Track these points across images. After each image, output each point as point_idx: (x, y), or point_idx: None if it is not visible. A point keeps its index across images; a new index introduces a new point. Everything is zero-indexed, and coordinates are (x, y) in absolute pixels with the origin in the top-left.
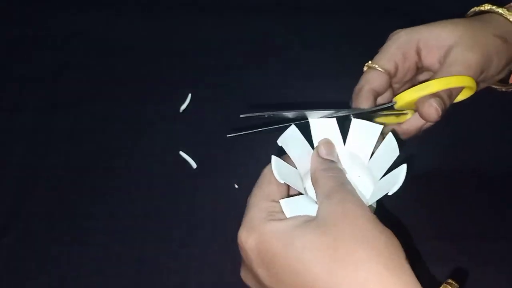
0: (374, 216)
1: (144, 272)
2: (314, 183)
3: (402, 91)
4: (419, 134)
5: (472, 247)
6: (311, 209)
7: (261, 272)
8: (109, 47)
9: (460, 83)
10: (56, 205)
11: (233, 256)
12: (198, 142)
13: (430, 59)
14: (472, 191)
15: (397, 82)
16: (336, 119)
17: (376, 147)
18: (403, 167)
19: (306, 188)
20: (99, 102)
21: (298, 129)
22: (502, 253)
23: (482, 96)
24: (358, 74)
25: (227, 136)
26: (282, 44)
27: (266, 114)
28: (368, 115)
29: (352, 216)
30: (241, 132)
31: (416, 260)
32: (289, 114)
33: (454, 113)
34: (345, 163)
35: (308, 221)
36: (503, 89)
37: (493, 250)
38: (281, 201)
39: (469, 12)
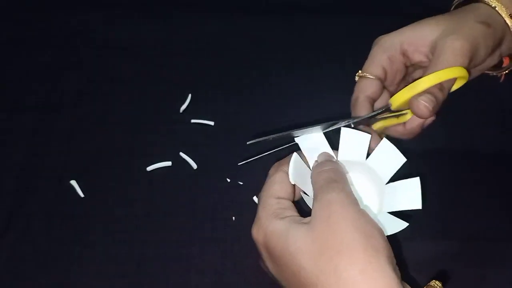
0: (358, 215)
1: (144, 272)
2: (311, 182)
3: (396, 92)
4: (422, 130)
5: (472, 247)
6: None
7: (269, 264)
8: (109, 47)
9: (449, 75)
10: (56, 205)
11: (233, 256)
12: (198, 142)
13: (418, 56)
14: (472, 191)
15: (390, 85)
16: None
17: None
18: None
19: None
20: (99, 102)
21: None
22: (502, 253)
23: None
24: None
25: (238, 164)
26: (282, 44)
27: (271, 137)
28: (368, 121)
29: (334, 222)
30: (250, 159)
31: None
32: (294, 133)
33: (452, 109)
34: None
35: (303, 223)
36: (495, 74)
37: (493, 250)
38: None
39: (453, 2)
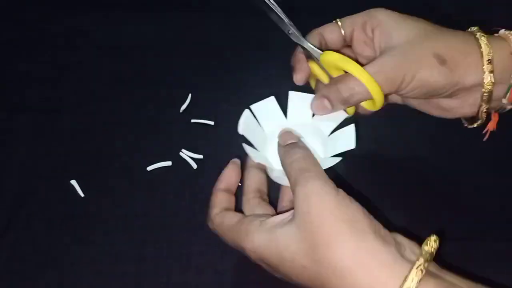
0: (335, 203)
1: (144, 272)
2: (285, 173)
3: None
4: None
5: (471, 247)
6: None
7: (273, 271)
8: (109, 47)
9: (366, 82)
10: (56, 205)
11: (233, 256)
12: (198, 142)
13: (376, 45)
14: (472, 191)
15: (358, 54)
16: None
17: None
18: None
19: (268, 153)
20: (99, 102)
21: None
22: (502, 253)
23: None
24: None
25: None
26: (282, 44)
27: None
28: (308, 54)
29: (316, 216)
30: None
31: None
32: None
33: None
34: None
35: (285, 224)
36: (468, 126)
37: (493, 250)
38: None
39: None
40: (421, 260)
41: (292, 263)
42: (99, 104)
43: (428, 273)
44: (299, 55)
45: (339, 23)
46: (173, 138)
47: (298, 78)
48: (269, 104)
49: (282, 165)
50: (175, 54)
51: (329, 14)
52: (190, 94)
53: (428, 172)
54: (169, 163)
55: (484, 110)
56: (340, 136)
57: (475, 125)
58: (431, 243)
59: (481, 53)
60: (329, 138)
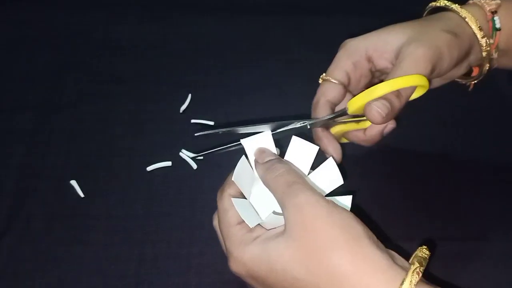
0: (328, 210)
1: (144, 272)
2: (269, 189)
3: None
4: (382, 137)
5: (471, 247)
6: (252, 217)
7: (255, 284)
8: (109, 47)
9: (407, 83)
10: (56, 205)
11: None
12: (198, 142)
13: (383, 63)
14: (472, 192)
15: (354, 90)
16: (294, 130)
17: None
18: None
19: (252, 196)
20: (99, 102)
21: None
22: (502, 253)
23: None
24: None
25: (195, 134)
26: (282, 44)
27: (220, 131)
28: (326, 124)
29: (310, 225)
30: (202, 153)
31: None
32: (242, 130)
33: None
34: None
35: (277, 235)
36: (464, 82)
37: (493, 250)
38: (233, 200)
39: (427, 7)
40: (417, 264)
41: (283, 275)
42: (99, 104)
43: (422, 280)
44: (321, 135)
45: (330, 79)
46: (173, 138)
47: (336, 158)
48: (264, 139)
49: (264, 181)
50: (175, 54)
51: (330, 14)
52: (190, 94)
53: (427, 172)
54: (169, 163)
55: (487, 68)
56: (320, 173)
57: (475, 81)
58: (423, 251)
59: (466, 22)
60: (309, 177)
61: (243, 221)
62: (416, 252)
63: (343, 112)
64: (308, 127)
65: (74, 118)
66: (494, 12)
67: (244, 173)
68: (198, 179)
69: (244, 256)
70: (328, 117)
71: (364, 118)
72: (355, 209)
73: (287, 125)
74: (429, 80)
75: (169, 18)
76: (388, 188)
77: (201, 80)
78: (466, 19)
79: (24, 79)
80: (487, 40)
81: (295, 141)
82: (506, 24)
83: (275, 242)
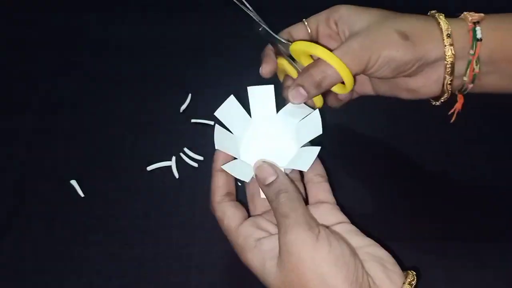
0: (314, 247)
1: (144, 272)
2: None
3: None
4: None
5: (471, 247)
6: (246, 171)
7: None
8: (109, 47)
9: (334, 63)
10: (56, 205)
11: (233, 256)
12: (198, 142)
13: (341, 35)
14: (470, 192)
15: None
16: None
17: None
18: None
19: (241, 153)
20: (99, 102)
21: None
22: (502, 253)
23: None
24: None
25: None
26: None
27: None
28: (277, 50)
29: (296, 263)
30: None
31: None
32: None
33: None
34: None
35: (273, 258)
36: (436, 103)
37: (493, 250)
38: (223, 166)
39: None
40: (411, 277)
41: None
42: (99, 104)
43: None
44: (268, 50)
45: (305, 22)
46: (173, 138)
47: (266, 70)
48: (231, 105)
49: (270, 201)
50: (175, 54)
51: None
52: (190, 94)
53: (427, 172)
54: (169, 163)
55: (449, 83)
56: (307, 123)
57: (442, 100)
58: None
59: (440, 29)
60: (298, 127)
61: (241, 224)
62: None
63: (287, 44)
64: (260, 29)
65: (74, 118)
66: (476, 23)
67: (226, 139)
68: (198, 179)
69: (247, 261)
70: (279, 37)
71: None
72: (356, 209)
73: (253, 14)
74: (354, 78)
75: (169, 18)
76: (388, 188)
77: (201, 80)
78: (440, 25)
79: (24, 79)
80: (451, 50)
81: (252, 90)
82: (489, 37)
83: (270, 266)
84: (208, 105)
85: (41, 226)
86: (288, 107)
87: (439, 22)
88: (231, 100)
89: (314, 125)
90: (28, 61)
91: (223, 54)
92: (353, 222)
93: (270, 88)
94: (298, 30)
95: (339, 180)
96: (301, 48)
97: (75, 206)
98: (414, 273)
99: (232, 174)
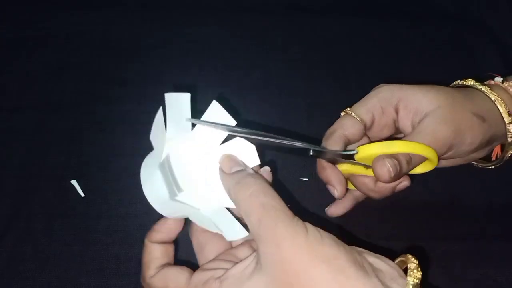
0: (308, 243)
1: None
2: (238, 208)
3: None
4: (392, 194)
5: (471, 247)
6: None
7: None
8: (109, 47)
9: (422, 151)
10: (56, 205)
11: None
12: None
13: (405, 121)
14: (470, 192)
15: (374, 137)
16: (298, 150)
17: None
18: None
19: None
20: (99, 102)
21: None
22: (502, 253)
23: None
24: (357, 74)
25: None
26: (282, 44)
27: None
28: (333, 158)
29: (290, 264)
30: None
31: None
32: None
33: None
34: None
35: (253, 275)
36: (480, 166)
37: (493, 250)
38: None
39: (453, 84)
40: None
41: None
42: (99, 104)
43: None
44: (326, 166)
45: (354, 114)
46: None
47: (341, 192)
48: (158, 122)
49: (234, 199)
50: (175, 54)
51: (330, 14)
52: (190, 94)
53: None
54: None
55: (509, 155)
56: (235, 149)
57: (492, 166)
58: (414, 274)
59: (496, 106)
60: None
61: (189, 276)
62: (407, 277)
63: (351, 155)
64: (311, 153)
65: (74, 118)
66: None
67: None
68: None
69: None
70: (337, 152)
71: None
72: (356, 209)
73: (291, 142)
74: (439, 159)
75: (169, 18)
76: None
77: (201, 80)
78: (496, 102)
79: (24, 79)
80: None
81: (214, 106)
82: None
83: (252, 282)
84: (207, 105)
85: (41, 226)
86: (205, 118)
87: (491, 98)
88: (158, 117)
89: (246, 152)
90: (28, 61)
91: (223, 54)
92: (353, 222)
93: (186, 96)
94: (352, 127)
95: None
96: (373, 153)
97: (75, 206)
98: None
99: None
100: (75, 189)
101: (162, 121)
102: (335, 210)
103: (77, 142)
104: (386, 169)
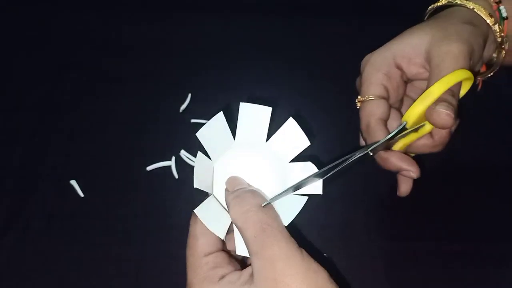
0: (302, 268)
1: (144, 272)
2: (236, 226)
3: (406, 109)
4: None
5: (471, 247)
6: (221, 213)
7: None
8: (109, 47)
9: (457, 79)
10: (56, 205)
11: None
12: (198, 142)
13: (414, 68)
14: (471, 191)
15: (395, 102)
16: (356, 161)
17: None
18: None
19: (214, 184)
20: (99, 102)
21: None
22: (502, 253)
23: None
24: (357, 74)
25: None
26: (282, 44)
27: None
28: (387, 145)
29: (283, 283)
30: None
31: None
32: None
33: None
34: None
35: (244, 284)
36: (478, 78)
37: (493, 250)
38: (194, 211)
39: (428, 9)
40: None
41: None
42: (99, 104)
43: None
44: (387, 155)
45: (370, 97)
46: (173, 138)
47: (416, 171)
48: (217, 124)
49: (232, 215)
50: (175, 54)
51: (331, 15)
52: (190, 94)
53: (427, 172)
54: (169, 163)
55: (503, 55)
56: (302, 170)
57: (491, 74)
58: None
59: (477, 12)
60: (289, 168)
61: (212, 253)
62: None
63: (402, 128)
64: (371, 154)
65: (74, 118)
66: (498, 2)
67: (203, 173)
68: None
69: None
70: (389, 136)
71: (422, 124)
72: (355, 209)
73: (349, 158)
74: (472, 72)
75: (169, 18)
76: (388, 188)
77: (201, 80)
78: (475, 9)
79: (24, 79)
80: (499, 26)
81: (245, 107)
82: None
83: None
84: (207, 105)
85: (41, 226)
86: (279, 135)
87: (472, 7)
88: (218, 118)
89: (294, 137)
90: (28, 60)
91: (223, 53)
92: (353, 221)
93: (267, 110)
94: (376, 109)
95: (339, 179)
96: (421, 111)
97: (75, 206)
98: None
99: (205, 224)
100: (75, 189)
101: (227, 129)
102: (405, 188)
103: (77, 142)
104: (444, 115)
